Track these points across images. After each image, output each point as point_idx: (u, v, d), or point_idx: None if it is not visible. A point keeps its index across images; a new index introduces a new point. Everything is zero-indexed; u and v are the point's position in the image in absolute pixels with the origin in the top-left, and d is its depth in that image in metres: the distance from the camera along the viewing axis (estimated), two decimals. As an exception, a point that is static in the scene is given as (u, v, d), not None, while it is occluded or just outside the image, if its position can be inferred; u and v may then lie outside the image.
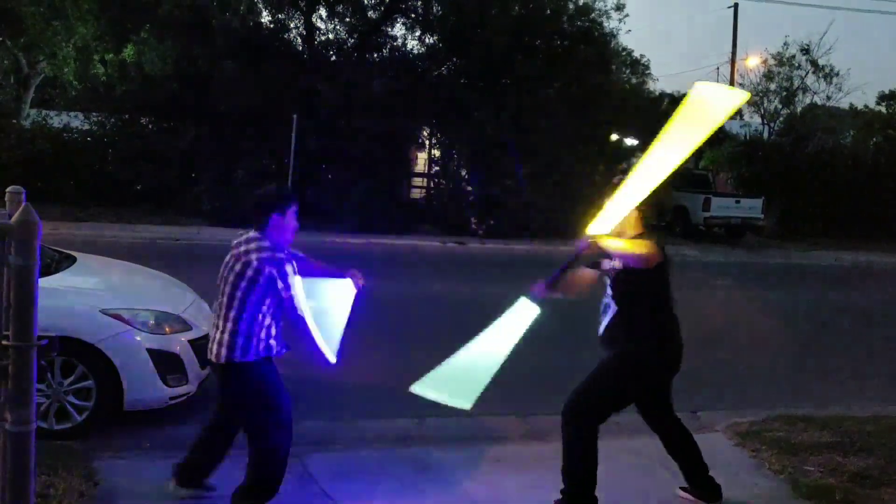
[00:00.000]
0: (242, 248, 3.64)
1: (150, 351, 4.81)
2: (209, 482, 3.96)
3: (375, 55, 19.86)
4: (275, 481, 3.72)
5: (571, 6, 19.81)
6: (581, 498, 3.99)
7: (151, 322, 4.95)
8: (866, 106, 25.31)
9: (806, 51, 22.99)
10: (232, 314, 3.60)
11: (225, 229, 15.25)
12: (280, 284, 3.58)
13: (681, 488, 4.34)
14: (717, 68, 31.44)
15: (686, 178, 22.24)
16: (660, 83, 42.75)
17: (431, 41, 19.84)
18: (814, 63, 23.02)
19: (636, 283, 3.92)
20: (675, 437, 4.31)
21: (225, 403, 3.86)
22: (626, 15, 20.00)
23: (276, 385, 3.72)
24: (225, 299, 3.63)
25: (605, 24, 19.99)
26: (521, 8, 18.90)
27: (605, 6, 19.87)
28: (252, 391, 3.67)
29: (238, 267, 3.60)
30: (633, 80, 21.75)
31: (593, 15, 19.77)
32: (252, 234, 3.70)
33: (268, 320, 3.65)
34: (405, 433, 5.28)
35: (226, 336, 3.60)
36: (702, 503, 4.26)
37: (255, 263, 3.57)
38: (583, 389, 4.01)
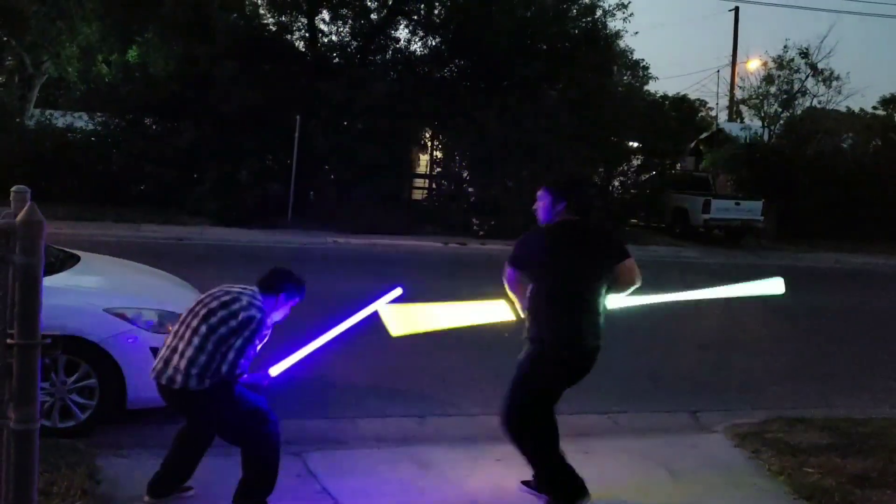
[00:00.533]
0: (236, 289, 3.70)
1: (153, 350, 4.82)
2: (184, 485, 3.96)
3: (378, 57, 19.89)
4: (271, 477, 3.73)
5: (575, 9, 19.78)
6: (568, 496, 3.98)
7: (155, 321, 4.96)
8: (862, 109, 25.28)
9: (805, 54, 22.97)
10: (196, 341, 3.57)
11: (228, 229, 15.29)
12: (252, 327, 3.60)
13: (522, 482, 4.28)
14: (718, 71, 31.39)
15: (686, 181, 22.26)
16: (661, 85, 42.69)
17: (434, 43, 19.87)
18: (813, 67, 22.99)
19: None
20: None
21: (190, 424, 3.88)
22: (631, 14, 19.92)
23: (237, 396, 3.71)
24: (195, 322, 3.61)
25: (610, 24, 19.98)
26: (525, 10, 18.89)
27: (609, 5, 19.83)
28: (216, 410, 3.68)
29: (224, 297, 3.65)
30: (635, 83, 21.72)
31: (598, 15, 19.73)
32: (256, 290, 3.76)
33: (230, 356, 3.62)
34: (406, 432, 5.30)
35: (183, 363, 3.57)
36: (542, 498, 4.17)
37: (243, 301, 3.62)
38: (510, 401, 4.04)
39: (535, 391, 4.02)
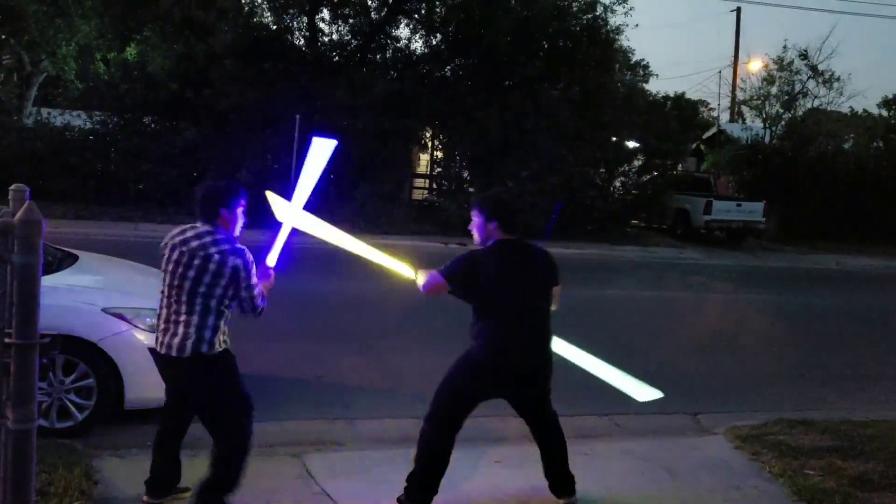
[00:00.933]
0: (196, 244, 3.58)
1: (151, 350, 4.81)
2: (181, 486, 3.91)
3: (378, 56, 19.88)
4: (242, 471, 3.66)
5: (576, 6, 19.78)
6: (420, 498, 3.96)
7: (153, 321, 4.94)
8: (865, 111, 25.22)
9: (804, 56, 22.94)
10: (197, 308, 3.53)
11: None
12: (243, 275, 3.55)
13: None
14: (720, 72, 31.40)
15: (688, 182, 22.25)
16: (663, 86, 42.72)
17: (434, 42, 19.86)
18: (813, 68, 22.97)
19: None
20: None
21: (189, 399, 3.78)
22: (632, 8, 19.91)
23: (238, 376, 3.69)
24: (185, 295, 3.55)
25: (611, 19, 19.98)
26: (526, 9, 18.88)
27: (610, 0, 19.81)
28: (220, 383, 3.62)
29: (197, 261, 3.54)
30: (636, 83, 21.68)
31: (599, 11, 19.73)
32: (202, 227, 3.64)
33: (226, 313, 3.62)
34: (405, 434, 5.26)
35: (192, 330, 3.53)
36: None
37: (217, 257, 3.53)
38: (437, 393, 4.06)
39: (455, 397, 4.01)
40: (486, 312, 3.95)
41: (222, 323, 3.60)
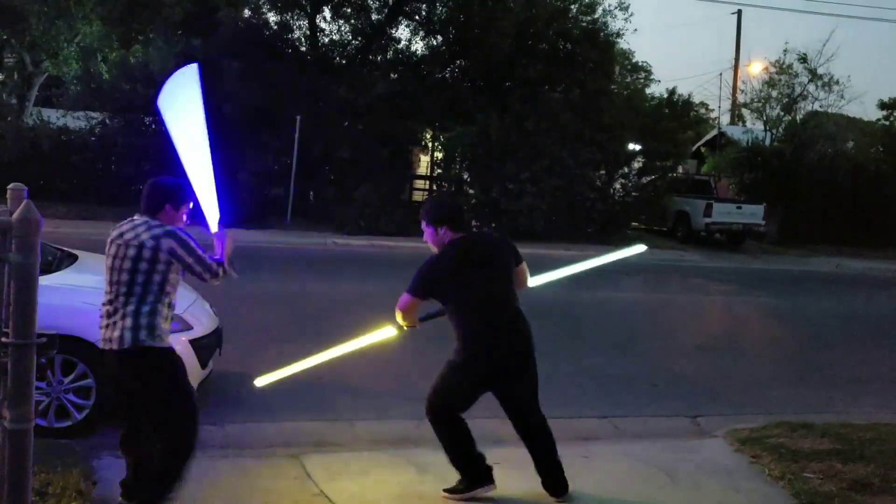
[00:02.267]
0: (130, 235, 3.51)
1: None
2: None
3: (379, 57, 19.89)
4: (182, 471, 3.57)
5: (575, 7, 19.81)
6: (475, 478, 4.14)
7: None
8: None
9: (804, 59, 22.91)
10: (135, 299, 3.47)
11: (226, 229, 15.26)
12: (181, 252, 3.49)
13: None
14: (721, 74, 31.42)
15: (688, 184, 22.23)
16: (664, 88, 42.65)
17: (435, 43, 19.88)
18: (812, 72, 22.94)
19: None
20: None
21: (129, 391, 3.68)
22: (631, 14, 19.99)
23: (182, 371, 3.64)
24: (124, 288, 3.48)
25: (610, 23, 20.02)
26: (526, 11, 18.89)
27: (610, 5, 19.89)
28: (161, 376, 3.54)
29: (132, 251, 3.47)
30: (636, 84, 21.62)
31: (598, 15, 19.77)
32: (139, 219, 3.59)
33: (168, 306, 3.57)
34: (404, 435, 5.27)
35: (129, 320, 3.46)
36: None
37: (150, 243, 3.47)
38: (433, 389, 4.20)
39: (455, 397, 4.13)
40: (468, 315, 4.05)
41: (164, 311, 3.53)
